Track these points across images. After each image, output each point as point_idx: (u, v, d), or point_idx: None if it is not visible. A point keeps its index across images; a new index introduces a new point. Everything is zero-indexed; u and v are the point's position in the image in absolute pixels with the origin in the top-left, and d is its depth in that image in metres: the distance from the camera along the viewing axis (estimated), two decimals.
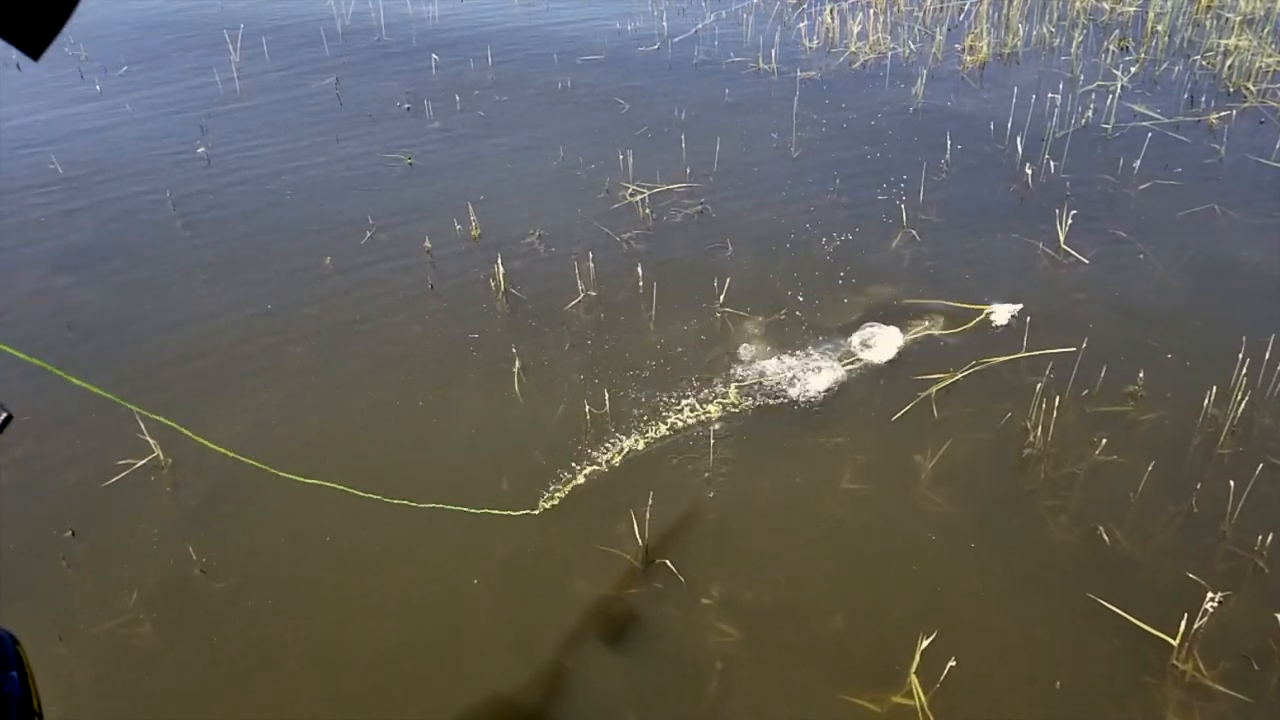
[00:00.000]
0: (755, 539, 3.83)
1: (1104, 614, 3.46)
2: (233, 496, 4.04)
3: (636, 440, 4.23)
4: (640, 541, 3.72)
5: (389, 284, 5.41)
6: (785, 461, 4.16)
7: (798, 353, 4.77)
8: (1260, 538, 3.67)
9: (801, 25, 8.82)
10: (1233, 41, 7.92)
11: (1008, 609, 3.54)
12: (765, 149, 6.81)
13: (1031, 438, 4.22)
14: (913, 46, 8.37)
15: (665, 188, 6.29)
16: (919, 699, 3.19)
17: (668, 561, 3.66)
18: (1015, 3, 8.83)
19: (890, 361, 4.70)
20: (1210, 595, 3.32)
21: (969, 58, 8.07)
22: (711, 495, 4.00)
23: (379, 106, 7.61)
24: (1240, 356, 4.40)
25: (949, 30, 8.57)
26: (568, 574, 3.66)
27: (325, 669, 3.35)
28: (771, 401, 4.46)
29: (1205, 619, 3.30)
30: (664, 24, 9.00)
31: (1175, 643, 3.31)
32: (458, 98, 7.63)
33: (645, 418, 4.36)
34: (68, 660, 3.39)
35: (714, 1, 9.66)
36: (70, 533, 3.86)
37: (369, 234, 5.85)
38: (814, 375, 4.62)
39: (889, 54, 8.23)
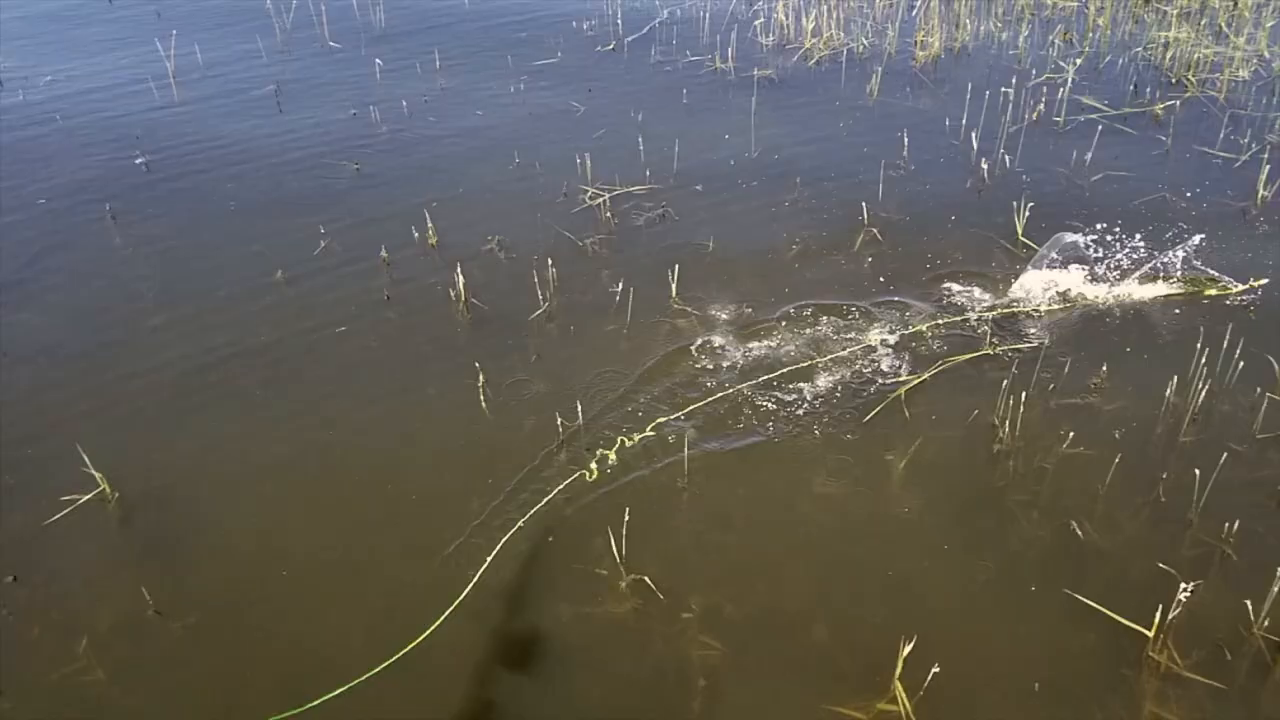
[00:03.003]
0: (733, 548, 3.79)
1: (1080, 609, 3.48)
2: (185, 530, 3.88)
3: (610, 452, 4.16)
4: (618, 558, 3.66)
5: (343, 296, 5.27)
6: (760, 467, 4.13)
7: (768, 356, 4.74)
8: (1227, 525, 3.71)
9: (757, 23, 8.80)
10: (1171, 34, 8.07)
11: (986, 609, 3.54)
12: (725, 149, 6.77)
13: (1000, 433, 4.23)
14: (866, 42, 8.40)
15: (625, 190, 6.22)
16: (903, 706, 3.17)
17: (646, 578, 3.60)
18: None
19: (863, 361, 4.69)
20: (1183, 585, 3.35)
21: (921, 53, 8.13)
22: (688, 506, 3.96)
23: (323, 111, 7.43)
24: (1199, 345, 4.46)
25: (900, 25, 8.62)
26: (546, 595, 3.58)
27: (291, 707, 3.23)
28: (743, 406, 4.43)
29: (1178, 609, 3.33)
30: (619, 22, 8.92)
31: (1151, 634, 3.34)
32: (405, 103, 7.48)
33: (618, 428, 4.30)
34: (11, 715, 3.21)
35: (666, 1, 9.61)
36: (12, 578, 3.67)
37: (321, 244, 5.69)
38: (784, 378, 4.59)
39: (843, 50, 8.25)
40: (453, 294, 5.21)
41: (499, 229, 5.81)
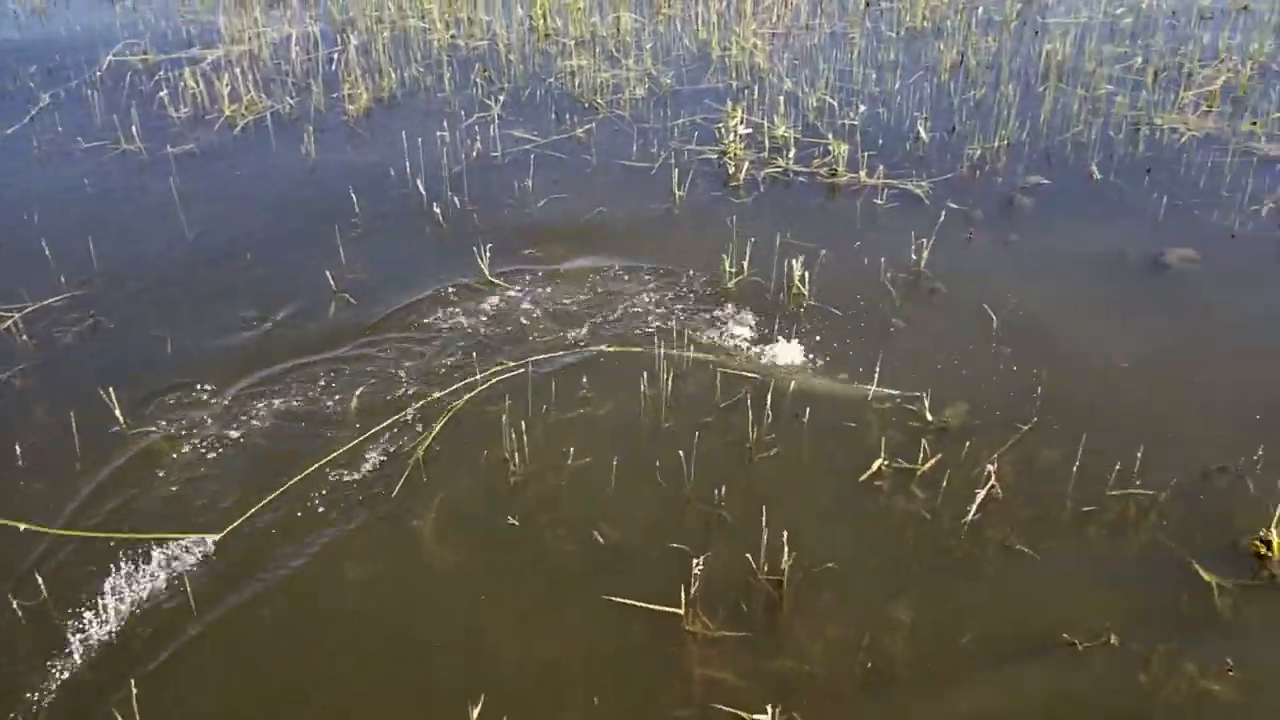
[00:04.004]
0: (279, 679, 3.38)
1: (621, 609, 3.64)
2: None
3: (98, 619, 3.45)
4: None
5: None
6: (281, 577, 3.74)
7: (262, 455, 4.29)
8: (716, 491, 4.15)
9: (162, 94, 8.00)
10: (574, 63, 8.95)
11: (539, 642, 3.56)
12: (154, 236, 6.05)
13: (512, 465, 4.30)
14: (291, 102, 8.08)
15: (38, 305, 5.24)
16: None
17: None
18: (380, 47, 9.00)
19: (370, 438, 4.44)
20: (695, 560, 3.66)
21: (351, 106, 8.03)
22: (210, 656, 3.43)
23: None
24: (655, 338, 4.95)
25: (324, 81, 8.44)
26: None
27: None
28: (243, 522, 3.94)
29: (698, 581, 3.63)
30: None
31: (682, 611, 3.60)
32: None
33: (94, 584, 3.58)
34: None
35: (47, 81, 8.35)
36: None
37: None
38: (286, 477, 4.18)
39: (268, 113, 7.85)
40: None
41: None
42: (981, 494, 4.02)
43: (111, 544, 3.83)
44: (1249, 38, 8.79)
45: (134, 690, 3.10)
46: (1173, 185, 6.59)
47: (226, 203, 6.52)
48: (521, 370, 4.87)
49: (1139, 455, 4.19)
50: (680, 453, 4.27)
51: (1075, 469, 4.18)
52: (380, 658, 3.48)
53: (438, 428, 4.49)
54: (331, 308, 5.41)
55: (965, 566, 3.86)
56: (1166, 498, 4.09)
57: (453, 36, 9.55)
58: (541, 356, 5.01)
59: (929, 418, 4.52)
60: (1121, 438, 4.33)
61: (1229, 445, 4.33)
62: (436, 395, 4.71)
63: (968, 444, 4.35)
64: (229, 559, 3.81)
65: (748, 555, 3.80)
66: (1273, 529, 3.82)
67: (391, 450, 4.38)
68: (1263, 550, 3.82)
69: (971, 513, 3.99)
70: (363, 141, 7.55)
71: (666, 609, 3.62)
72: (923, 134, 7.32)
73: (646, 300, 5.50)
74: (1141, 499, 4.10)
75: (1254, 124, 7.34)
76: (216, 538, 3.87)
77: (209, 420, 4.49)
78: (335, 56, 8.95)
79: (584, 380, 4.80)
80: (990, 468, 4.13)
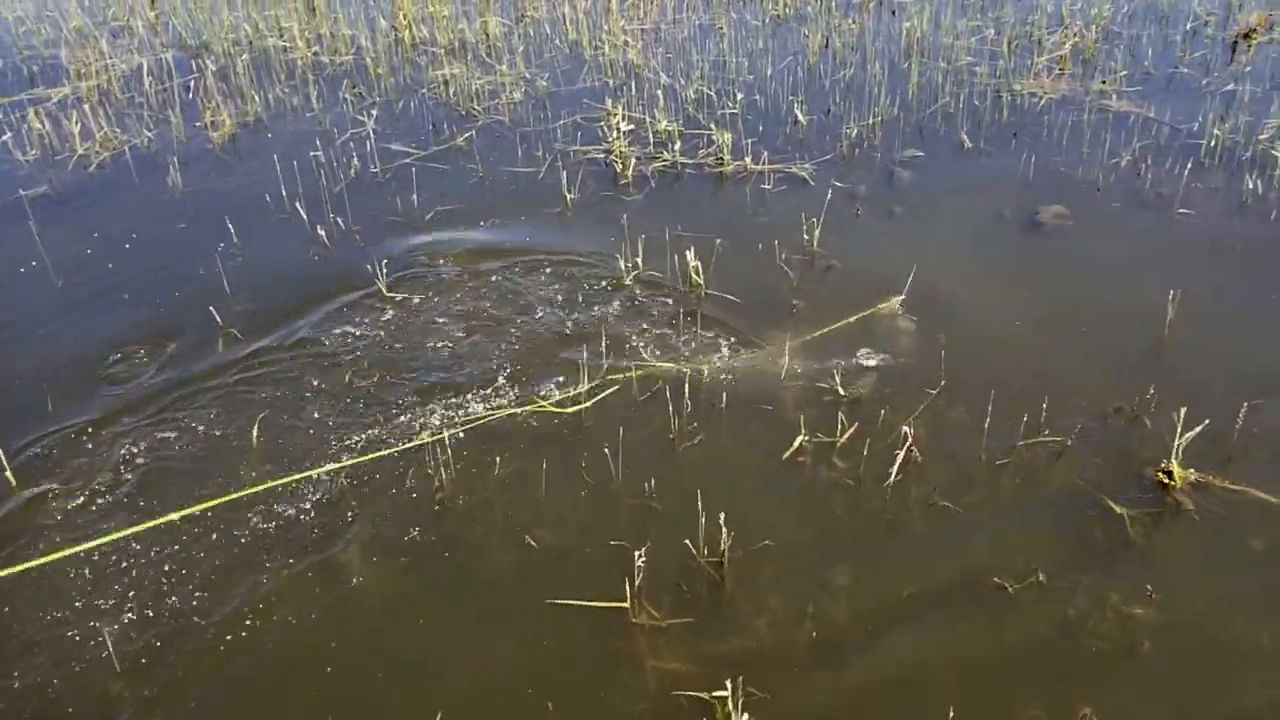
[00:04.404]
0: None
1: (566, 612, 3.61)
2: None
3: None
4: None
5: None
6: (210, 626, 3.55)
7: (154, 500, 4.06)
8: (645, 484, 4.14)
9: (5, 138, 7.46)
10: (446, 71, 8.77)
11: (486, 655, 3.51)
12: (19, 286, 5.69)
13: (437, 482, 4.21)
14: (150, 134, 7.66)
15: None
16: None
17: None
18: (239, 70, 8.64)
19: (285, 473, 4.26)
20: (637, 554, 3.64)
21: (215, 134, 7.66)
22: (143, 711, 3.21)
23: None
24: (569, 335, 4.91)
25: (183, 109, 8.03)
26: None
27: None
28: (166, 573, 3.73)
29: (641, 574, 3.62)
30: None
31: (628, 605, 3.59)
32: None
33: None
34: None
35: None
36: None
37: None
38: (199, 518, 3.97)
39: (127, 148, 7.41)
40: None
41: None
42: (900, 456, 4.13)
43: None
44: (1090, 2, 9.31)
45: None
46: (1038, 147, 6.93)
47: (94, 244, 6.13)
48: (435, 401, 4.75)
49: (1043, 406, 4.38)
50: (605, 450, 4.24)
51: (986, 425, 4.34)
52: (325, 698, 3.36)
53: (356, 455, 4.34)
54: (220, 343, 5.16)
55: (894, 527, 3.96)
56: (1073, 442, 4.29)
57: (315, 53, 9.23)
58: (451, 369, 4.90)
59: (841, 391, 4.62)
60: (1025, 391, 4.52)
61: (1122, 387, 4.58)
62: (345, 422, 4.56)
63: (882, 412, 4.46)
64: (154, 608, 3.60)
65: (686, 541, 3.81)
66: (1173, 459, 4.06)
67: (309, 482, 4.20)
68: (1165, 480, 4.05)
69: (893, 476, 4.10)
70: (232, 169, 7.21)
71: (612, 605, 3.60)
72: (800, 117, 7.48)
73: (548, 305, 5.43)
74: (1051, 445, 4.29)
75: (1104, 83, 7.80)
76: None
77: (100, 471, 4.23)
78: (193, 84, 8.52)
79: (499, 386, 4.72)
80: (906, 430, 4.25)
